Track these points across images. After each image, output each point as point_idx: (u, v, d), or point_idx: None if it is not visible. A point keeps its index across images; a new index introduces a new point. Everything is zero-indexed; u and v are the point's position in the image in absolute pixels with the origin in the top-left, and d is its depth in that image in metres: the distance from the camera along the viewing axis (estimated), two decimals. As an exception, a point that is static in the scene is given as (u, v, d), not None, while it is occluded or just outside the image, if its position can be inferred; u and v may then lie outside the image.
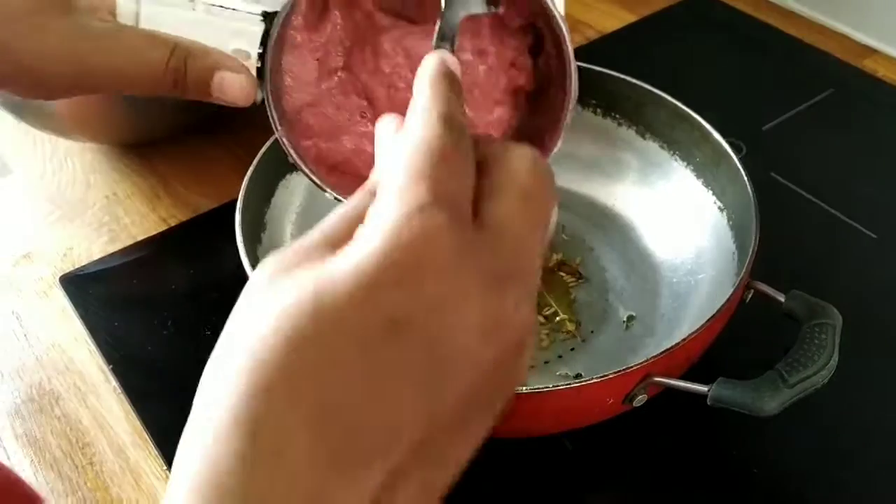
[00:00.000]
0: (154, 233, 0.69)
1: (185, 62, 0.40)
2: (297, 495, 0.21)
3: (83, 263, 0.67)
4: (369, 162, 0.41)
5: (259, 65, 0.40)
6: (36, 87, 0.41)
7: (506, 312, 0.23)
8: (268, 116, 0.42)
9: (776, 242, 0.54)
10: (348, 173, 0.43)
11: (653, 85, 0.64)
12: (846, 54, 0.86)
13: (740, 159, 0.58)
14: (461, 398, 0.22)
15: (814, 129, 0.78)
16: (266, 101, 0.41)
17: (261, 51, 0.40)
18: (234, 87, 0.41)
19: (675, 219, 0.64)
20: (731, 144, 0.60)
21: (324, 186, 0.41)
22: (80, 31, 0.39)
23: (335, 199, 0.40)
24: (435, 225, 0.22)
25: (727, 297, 0.49)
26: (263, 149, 0.60)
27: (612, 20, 0.93)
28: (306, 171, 0.41)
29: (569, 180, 0.69)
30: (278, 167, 0.63)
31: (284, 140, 0.41)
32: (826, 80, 0.82)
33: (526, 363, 0.25)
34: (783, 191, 0.70)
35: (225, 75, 0.41)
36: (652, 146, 0.67)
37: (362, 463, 0.21)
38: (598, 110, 0.68)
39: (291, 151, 0.41)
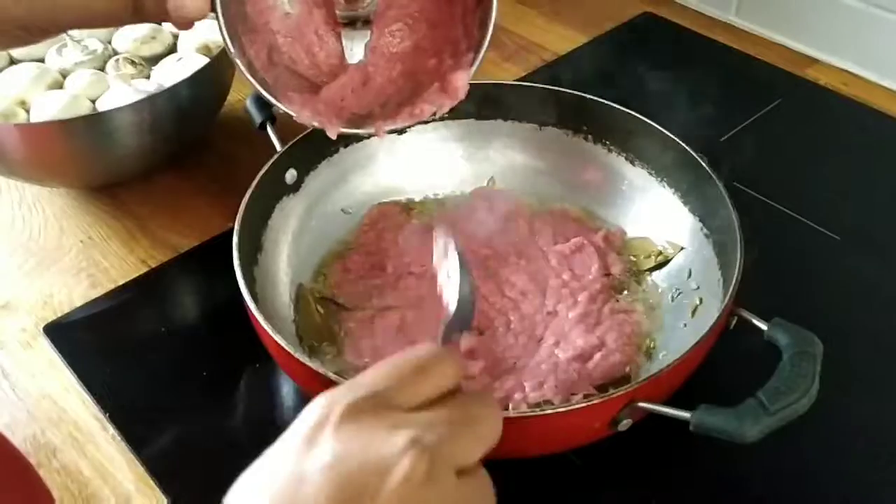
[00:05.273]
0: (135, 275, 0.71)
1: None
2: None
3: (66, 311, 0.70)
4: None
5: None
6: (9, 35, 0.50)
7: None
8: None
9: (746, 250, 0.59)
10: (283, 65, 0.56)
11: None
12: (789, 65, 0.93)
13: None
14: None
15: (767, 138, 0.86)
16: (219, 22, 0.50)
17: None
18: (189, 3, 0.48)
19: (664, 245, 0.69)
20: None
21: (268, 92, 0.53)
22: None
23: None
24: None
25: (710, 324, 0.54)
26: (261, 172, 0.65)
27: (566, 42, 0.98)
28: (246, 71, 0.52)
29: (558, 203, 0.74)
30: (275, 189, 0.68)
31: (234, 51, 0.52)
32: (774, 91, 0.92)
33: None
34: (746, 199, 0.76)
35: None
36: (641, 172, 0.72)
37: None
38: (589, 137, 0.74)
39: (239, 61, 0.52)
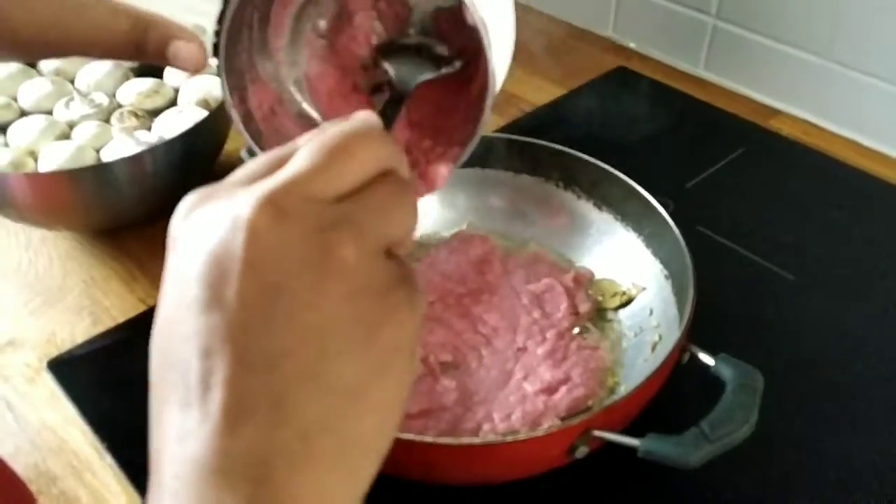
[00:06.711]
0: (135, 313, 0.73)
1: (146, 32, 0.49)
2: None
3: (68, 347, 0.72)
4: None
5: (215, 40, 0.45)
6: (20, 49, 0.50)
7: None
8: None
9: (704, 287, 0.63)
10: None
11: (582, 152, 0.76)
12: (753, 115, 0.98)
13: (669, 214, 0.70)
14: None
15: (730, 184, 0.92)
16: (220, 72, 0.46)
17: (217, 28, 0.46)
18: (185, 55, 0.49)
19: (628, 286, 0.74)
20: (660, 202, 0.72)
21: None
22: (63, 3, 0.48)
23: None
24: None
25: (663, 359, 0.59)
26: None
27: (543, 94, 1.02)
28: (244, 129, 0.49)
29: (531, 246, 0.78)
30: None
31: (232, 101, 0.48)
32: (738, 140, 0.95)
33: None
34: (709, 241, 0.80)
35: (179, 45, 0.49)
36: (607, 218, 0.77)
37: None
38: (560, 183, 0.79)
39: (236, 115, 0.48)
